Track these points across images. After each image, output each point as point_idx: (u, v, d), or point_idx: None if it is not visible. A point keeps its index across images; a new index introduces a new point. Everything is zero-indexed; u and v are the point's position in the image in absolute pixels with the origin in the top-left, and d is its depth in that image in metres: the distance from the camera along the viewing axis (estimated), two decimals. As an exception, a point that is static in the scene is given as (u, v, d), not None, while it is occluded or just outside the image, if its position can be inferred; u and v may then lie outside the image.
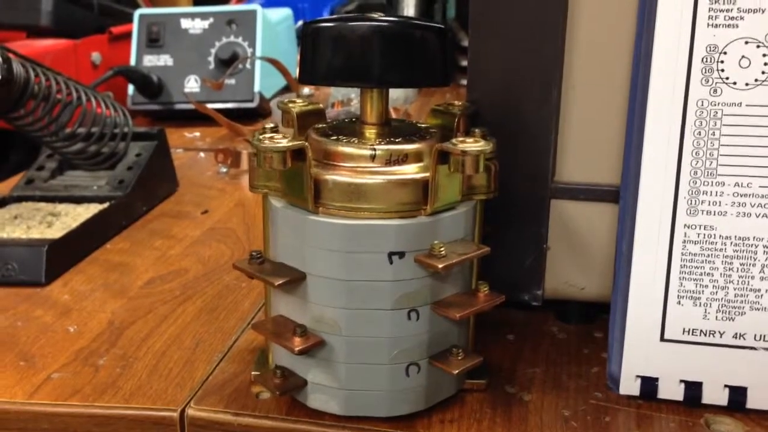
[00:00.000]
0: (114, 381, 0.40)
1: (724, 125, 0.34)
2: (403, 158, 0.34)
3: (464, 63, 0.43)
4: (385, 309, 0.34)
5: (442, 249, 0.33)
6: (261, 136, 0.33)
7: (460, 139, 0.33)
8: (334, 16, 0.35)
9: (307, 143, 0.33)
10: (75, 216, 0.59)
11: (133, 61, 0.97)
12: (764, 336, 0.36)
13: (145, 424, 0.37)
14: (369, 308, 0.34)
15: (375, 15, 0.35)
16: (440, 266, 0.33)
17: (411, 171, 0.34)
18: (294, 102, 0.40)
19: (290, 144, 0.33)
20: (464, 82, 0.42)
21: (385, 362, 0.35)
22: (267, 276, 0.35)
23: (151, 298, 0.49)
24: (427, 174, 0.34)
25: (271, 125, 0.35)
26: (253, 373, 0.39)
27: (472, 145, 0.33)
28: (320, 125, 0.38)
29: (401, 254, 0.33)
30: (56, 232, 0.55)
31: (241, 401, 0.38)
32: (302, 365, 0.36)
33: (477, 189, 0.36)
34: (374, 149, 0.34)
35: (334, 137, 0.36)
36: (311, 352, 0.35)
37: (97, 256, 0.56)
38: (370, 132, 0.37)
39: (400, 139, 0.35)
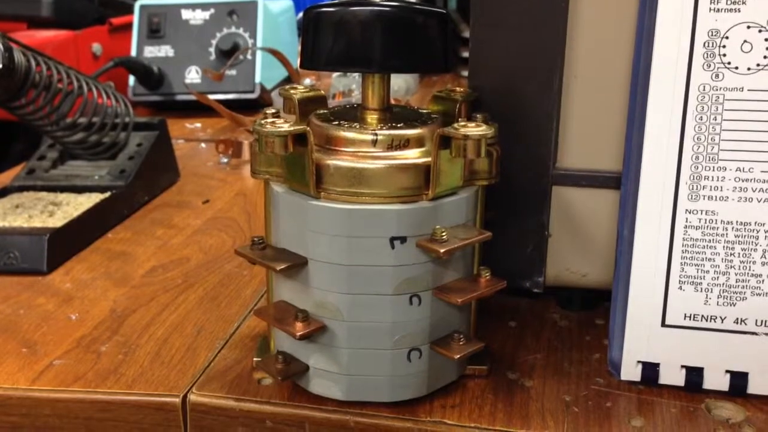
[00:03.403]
0: (116, 368, 0.40)
1: (725, 110, 0.34)
2: (404, 143, 0.34)
3: (466, 54, 0.42)
4: (386, 294, 0.34)
5: (443, 234, 0.33)
6: (263, 121, 0.33)
7: (462, 123, 0.33)
8: (336, 1, 0.35)
9: (308, 128, 0.33)
10: (76, 205, 0.59)
11: (133, 52, 0.97)
12: (765, 321, 0.36)
13: (148, 410, 0.38)
14: (371, 293, 0.34)
15: (377, 0, 0.34)
16: (442, 251, 0.33)
17: (413, 156, 0.34)
18: (296, 89, 0.40)
19: (292, 129, 0.33)
20: (465, 73, 0.42)
21: (386, 347, 0.35)
22: (269, 261, 0.35)
23: (152, 287, 0.50)
24: (429, 159, 0.34)
25: (273, 111, 0.35)
26: (255, 359, 0.39)
27: (474, 129, 0.33)
28: (322, 111, 0.38)
29: (403, 239, 0.34)
30: (58, 221, 0.55)
31: (243, 387, 0.38)
32: (304, 350, 0.36)
33: (479, 174, 0.36)
34: (376, 134, 0.34)
35: (336, 122, 0.36)
36: (313, 337, 0.35)
37: (99, 245, 0.56)
38: (372, 117, 0.37)
39: (401, 125, 0.35)
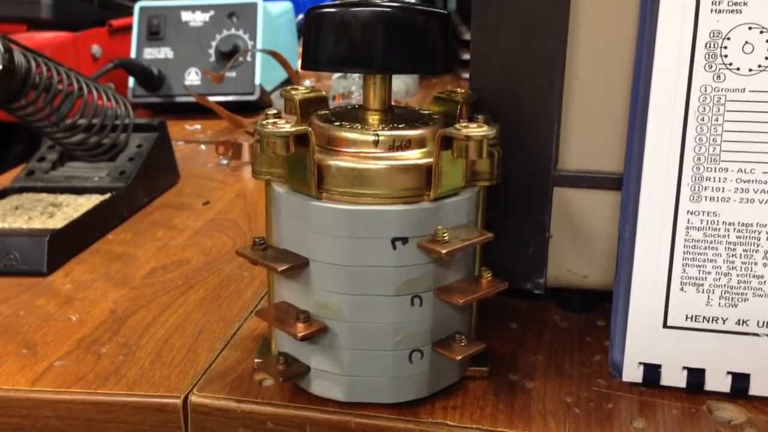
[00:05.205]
0: (117, 369, 0.40)
1: (727, 111, 0.34)
2: (406, 144, 0.34)
3: (465, 56, 0.42)
4: (388, 295, 0.34)
5: (445, 234, 0.33)
6: (264, 122, 0.33)
7: (464, 124, 0.33)
8: (338, 2, 0.35)
9: (310, 128, 0.33)
10: (76, 207, 0.59)
11: (133, 54, 0.97)
12: (767, 322, 0.36)
13: (148, 411, 0.37)
14: (372, 294, 0.34)
15: (378, 1, 0.34)
16: (443, 252, 0.33)
17: (414, 156, 0.34)
18: (297, 89, 0.40)
19: (294, 129, 0.33)
20: (466, 75, 0.42)
21: (388, 348, 0.35)
22: (270, 262, 0.35)
23: (153, 288, 0.49)
24: (431, 159, 0.34)
25: (274, 111, 0.35)
26: (255, 360, 0.39)
27: (476, 130, 0.33)
28: (323, 112, 0.38)
29: (404, 240, 0.33)
30: (58, 222, 0.55)
31: (244, 388, 0.38)
32: (305, 352, 0.36)
33: (480, 175, 0.36)
34: (377, 135, 0.34)
35: (338, 123, 0.36)
36: (314, 338, 0.35)
37: (99, 247, 0.56)
38: (373, 118, 0.37)
39: (403, 125, 0.35)
